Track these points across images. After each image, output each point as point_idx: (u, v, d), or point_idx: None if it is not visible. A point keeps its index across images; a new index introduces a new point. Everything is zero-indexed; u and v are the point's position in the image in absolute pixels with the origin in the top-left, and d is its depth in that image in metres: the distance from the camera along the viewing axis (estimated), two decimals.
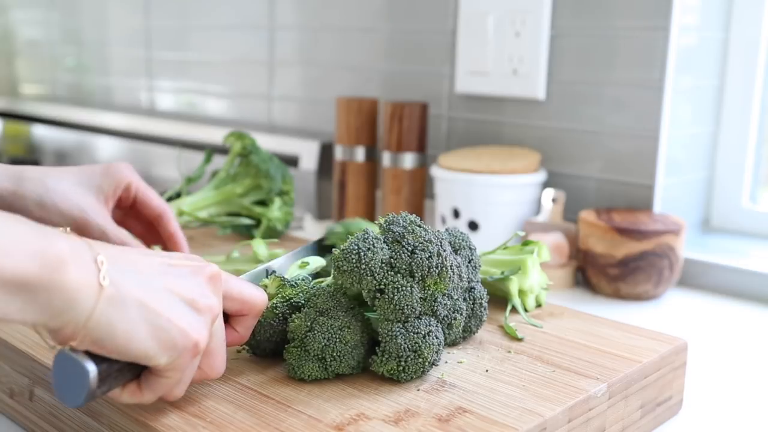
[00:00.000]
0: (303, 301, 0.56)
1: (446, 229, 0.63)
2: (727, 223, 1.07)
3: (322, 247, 0.74)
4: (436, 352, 0.54)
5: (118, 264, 0.43)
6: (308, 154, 1.28)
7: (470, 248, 0.63)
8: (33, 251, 0.39)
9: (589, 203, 1.03)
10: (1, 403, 0.61)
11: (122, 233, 0.69)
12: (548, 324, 0.66)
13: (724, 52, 1.03)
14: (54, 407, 0.55)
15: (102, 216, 0.69)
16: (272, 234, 0.94)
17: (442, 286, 0.55)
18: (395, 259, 0.54)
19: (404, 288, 0.53)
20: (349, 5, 1.28)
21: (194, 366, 0.48)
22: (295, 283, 0.58)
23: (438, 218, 1.06)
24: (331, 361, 0.53)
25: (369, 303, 0.54)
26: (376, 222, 0.58)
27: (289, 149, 1.32)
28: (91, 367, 0.43)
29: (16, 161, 1.72)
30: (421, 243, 0.55)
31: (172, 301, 0.45)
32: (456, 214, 1.02)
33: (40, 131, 1.89)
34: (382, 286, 0.53)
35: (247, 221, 0.94)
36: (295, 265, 0.64)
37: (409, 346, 0.53)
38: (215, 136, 1.45)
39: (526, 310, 0.69)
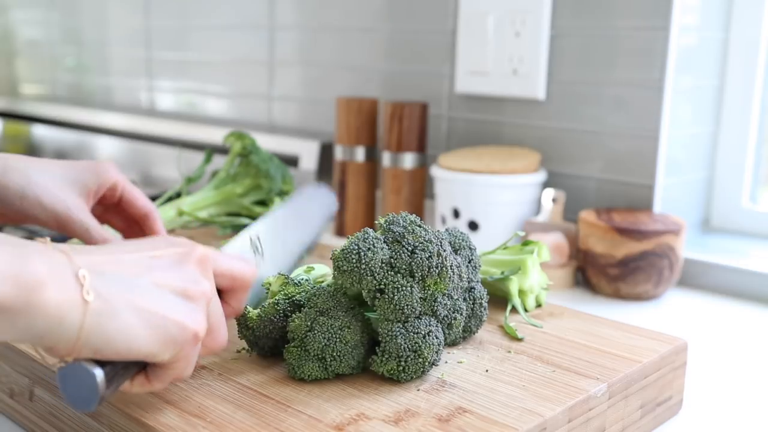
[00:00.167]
0: (305, 301, 0.56)
1: (446, 229, 0.63)
2: (727, 223, 1.07)
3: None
4: (436, 352, 0.54)
5: (102, 272, 0.43)
6: (308, 154, 1.28)
7: (470, 248, 0.63)
8: (7, 274, 0.38)
9: (589, 203, 1.03)
10: (1, 403, 0.61)
11: (105, 231, 0.69)
12: (548, 324, 0.66)
13: (724, 52, 1.03)
14: (54, 407, 0.55)
15: (85, 212, 0.68)
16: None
17: (442, 286, 0.55)
18: (395, 259, 0.54)
19: (404, 288, 0.53)
20: (349, 5, 1.28)
21: (198, 349, 0.48)
22: (299, 281, 0.58)
23: (438, 218, 1.06)
24: (331, 361, 0.53)
25: (369, 303, 0.54)
26: (377, 222, 0.58)
27: (289, 149, 1.32)
28: (98, 372, 0.43)
29: None
30: (421, 243, 0.55)
31: (164, 296, 0.45)
32: (456, 214, 1.02)
33: (40, 131, 1.89)
34: (382, 286, 0.53)
35: (247, 221, 0.94)
36: (301, 270, 0.63)
37: (409, 346, 0.53)
38: (215, 136, 1.45)
39: (526, 310, 0.69)
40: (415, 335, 0.53)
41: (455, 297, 0.57)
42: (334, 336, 0.53)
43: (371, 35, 1.26)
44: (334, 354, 0.53)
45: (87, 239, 0.68)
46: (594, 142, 1.02)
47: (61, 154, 1.82)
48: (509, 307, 0.67)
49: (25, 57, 2.10)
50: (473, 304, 0.61)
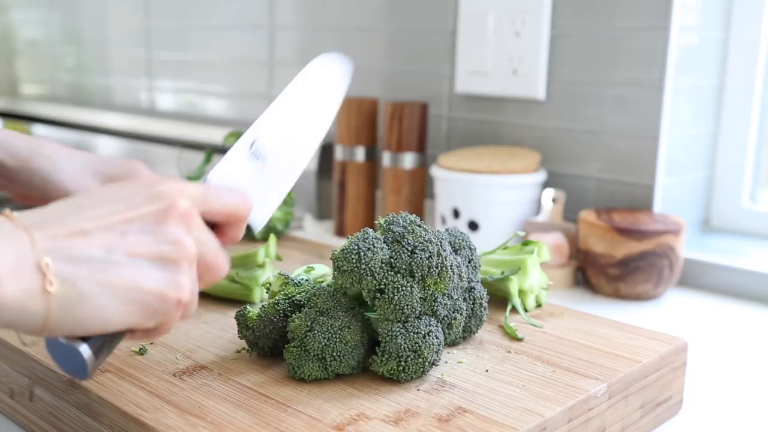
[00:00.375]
0: (305, 300, 0.56)
1: (446, 229, 0.63)
2: (727, 223, 1.07)
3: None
4: (436, 352, 0.54)
5: (69, 255, 0.41)
6: None
7: (470, 248, 0.63)
8: None
9: (589, 203, 1.03)
10: (1, 403, 0.61)
11: None
12: (548, 324, 0.66)
13: (724, 52, 1.03)
14: (54, 407, 0.55)
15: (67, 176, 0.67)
16: (272, 234, 0.94)
17: (442, 286, 0.55)
18: (395, 259, 0.54)
19: (404, 288, 0.53)
20: (349, 5, 1.28)
21: (189, 306, 0.46)
22: (299, 281, 0.58)
23: (438, 218, 1.06)
24: (331, 361, 0.53)
25: (369, 303, 0.54)
26: (377, 222, 0.58)
27: None
28: (83, 348, 0.42)
29: None
30: (421, 243, 0.55)
31: (139, 267, 0.42)
32: (456, 214, 1.02)
33: (40, 131, 1.89)
34: (382, 286, 0.53)
35: None
36: (301, 270, 0.63)
37: (409, 346, 0.53)
38: (215, 136, 1.45)
39: (526, 310, 0.69)
40: (415, 335, 0.53)
41: (455, 297, 0.57)
42: (334, 336, 0.53)
43: (371, 35, 1.26)
44: (334, 354, 0.53)
45: None
46: (594, 142, 1.02)
47: None
48: (509, 307, 0.67)
49: (25, 57, 2.10)
50: (473, 304, 0.61)
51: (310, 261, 0.86)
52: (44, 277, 0.39)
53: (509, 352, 0.60)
